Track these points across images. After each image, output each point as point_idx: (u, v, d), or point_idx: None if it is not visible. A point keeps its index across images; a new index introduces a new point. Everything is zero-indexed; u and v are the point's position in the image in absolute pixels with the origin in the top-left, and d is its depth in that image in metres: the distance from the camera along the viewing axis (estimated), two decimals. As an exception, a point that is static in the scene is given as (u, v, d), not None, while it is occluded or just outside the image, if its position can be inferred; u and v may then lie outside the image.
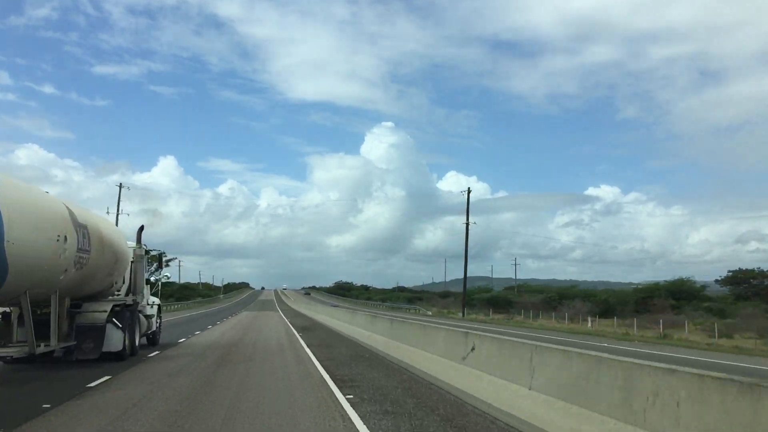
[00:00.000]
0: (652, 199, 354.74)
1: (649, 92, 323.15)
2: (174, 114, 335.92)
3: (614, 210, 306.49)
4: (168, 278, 62.57)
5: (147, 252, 21.52)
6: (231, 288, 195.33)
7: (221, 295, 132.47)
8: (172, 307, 63.80)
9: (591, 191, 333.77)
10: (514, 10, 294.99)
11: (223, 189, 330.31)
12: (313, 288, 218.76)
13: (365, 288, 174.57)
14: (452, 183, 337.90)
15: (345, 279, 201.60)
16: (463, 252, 64.00)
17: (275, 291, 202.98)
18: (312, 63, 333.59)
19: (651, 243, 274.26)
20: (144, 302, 18.86)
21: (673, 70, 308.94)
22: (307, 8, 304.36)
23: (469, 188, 67.45)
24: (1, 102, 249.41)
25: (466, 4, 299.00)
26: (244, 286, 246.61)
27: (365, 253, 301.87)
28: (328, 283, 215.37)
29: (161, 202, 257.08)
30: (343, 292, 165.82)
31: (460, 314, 63.02)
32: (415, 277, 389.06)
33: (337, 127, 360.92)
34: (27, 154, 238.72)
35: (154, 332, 20.58)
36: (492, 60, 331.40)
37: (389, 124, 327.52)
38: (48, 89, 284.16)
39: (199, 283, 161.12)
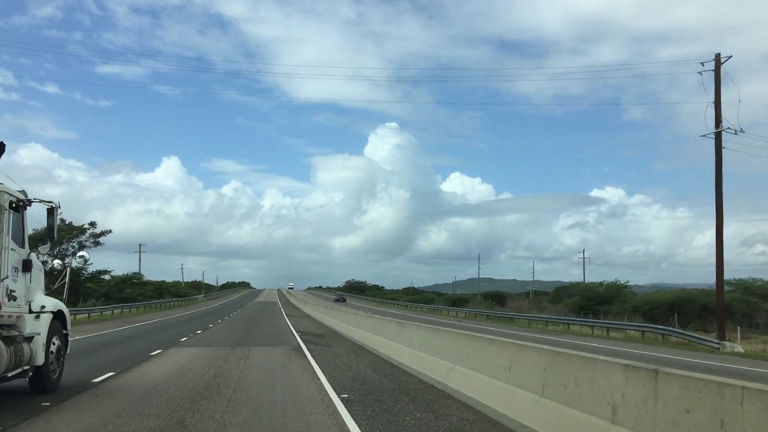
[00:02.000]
0: (658, 201, 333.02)
1: (656, 93, 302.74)
2: (177, 114, 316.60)
3: (619, 212, 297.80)
4: (86, 261, 32.09)
5: (22, 203, 10.07)
6: (226, 287, 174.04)
7: (200, 296, 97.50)
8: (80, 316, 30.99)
9: (596, 193, 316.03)
10: (521, 10, 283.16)
11: (227, 190, 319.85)
12: (320, 288, 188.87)
13: (378, 288, 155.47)
14: (456, 184, 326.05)
15: (352, 279, 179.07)
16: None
17: (278, 291, 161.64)
18: (317, 63, 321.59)
19: (656, 246, 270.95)
20: (16, 308, 9.76)
21: (680, 71, 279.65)
22: (312, 8, 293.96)
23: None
24: (5, 102, 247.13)
25: (472, 4, 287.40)
26: (243, 285, 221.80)
27: (368, 254, 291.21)
28: (338, 282, 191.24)
29: (165, 203, 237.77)
30: (357, 292, 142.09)
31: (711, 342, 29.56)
32: (418, 278, 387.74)
33: (342, 128, 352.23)
34: (30, 154, 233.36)
35: (38, 368, 10.24)
36: (498, 60, 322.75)
37: (393, 124, 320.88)
38: (51, 89, 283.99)
39: (181, 281, 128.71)
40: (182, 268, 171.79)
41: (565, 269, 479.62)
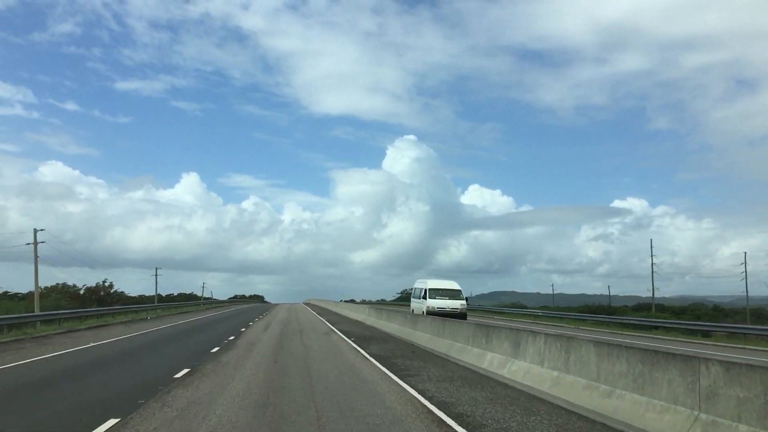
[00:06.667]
0: (682, 212, 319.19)
1: (682, 102, 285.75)
2: (196, 130, 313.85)
3: (644, 224, 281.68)
4: None
5: None
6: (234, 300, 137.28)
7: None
8: None
9: (618, 204, 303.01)
10: (543, 18, 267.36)
11: (247, 205, 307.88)
12: (359, 301, 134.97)
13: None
14: (476, 197, 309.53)
15: (409, 289, 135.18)
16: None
17: (305, 307, 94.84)
18: (336, 76, 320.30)
19: (681, 257, 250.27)
20: None
21: (707, 79, 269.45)
22: (331, 20, 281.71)
23: None
24: (26, 119, 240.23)
25: (494, 14, 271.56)
26: (257, 299, 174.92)
27: (387, 268, 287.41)
28: (383, 295, 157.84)
29: (185, 219, 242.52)
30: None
31: None
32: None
33: (360, 141, 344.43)
34: (51, 171, 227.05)
35: None
36: (519, 71, 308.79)
37: (412, 137, 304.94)
38: (71, 106, 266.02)
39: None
40: (208, 287, 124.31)
41: (587, 282, 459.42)
